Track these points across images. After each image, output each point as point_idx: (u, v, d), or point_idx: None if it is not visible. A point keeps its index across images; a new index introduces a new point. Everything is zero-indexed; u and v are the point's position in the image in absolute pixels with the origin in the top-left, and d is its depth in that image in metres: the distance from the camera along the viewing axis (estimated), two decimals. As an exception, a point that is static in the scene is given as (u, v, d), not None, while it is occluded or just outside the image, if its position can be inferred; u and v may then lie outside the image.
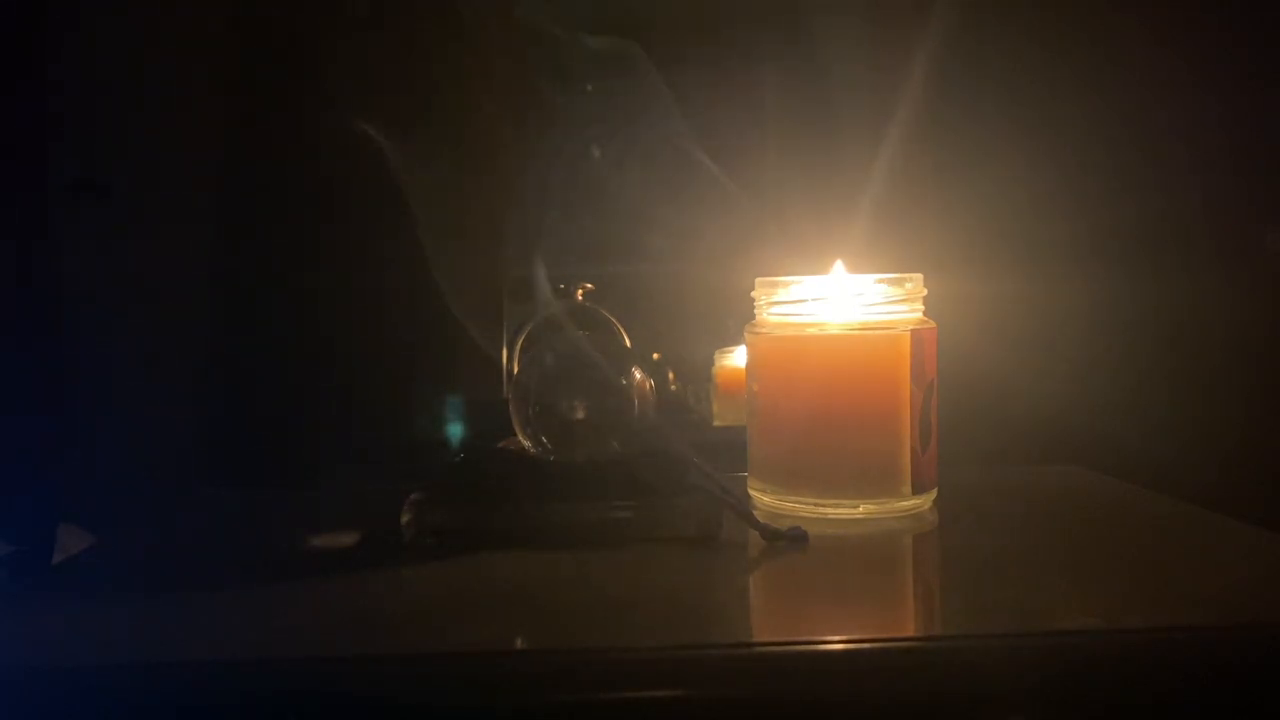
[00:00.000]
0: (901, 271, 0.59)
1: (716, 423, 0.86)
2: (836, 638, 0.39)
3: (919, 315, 0.59)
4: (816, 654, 0.39)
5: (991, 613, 0.43)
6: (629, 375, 0.58)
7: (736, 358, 0.84)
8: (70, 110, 0.86)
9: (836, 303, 0.58)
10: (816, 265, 0.60)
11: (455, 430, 0.84)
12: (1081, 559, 0.51)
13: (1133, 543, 0.54)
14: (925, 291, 0.59)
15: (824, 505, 0.57)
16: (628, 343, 0.74)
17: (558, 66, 0.87)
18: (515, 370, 0.80)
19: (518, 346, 0.78)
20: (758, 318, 0.61)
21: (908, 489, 0.57)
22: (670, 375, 0.88)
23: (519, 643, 0.42)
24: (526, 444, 0.59)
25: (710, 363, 0.87)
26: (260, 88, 0.87)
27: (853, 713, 0.38)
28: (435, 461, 0.59)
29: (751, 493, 0.60)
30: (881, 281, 0.58)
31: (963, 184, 0.83)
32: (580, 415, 0.57)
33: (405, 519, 0.54)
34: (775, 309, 0.60)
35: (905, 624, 0.45)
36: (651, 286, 0.86)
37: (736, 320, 0.64)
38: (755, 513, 0.55)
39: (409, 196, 0.86)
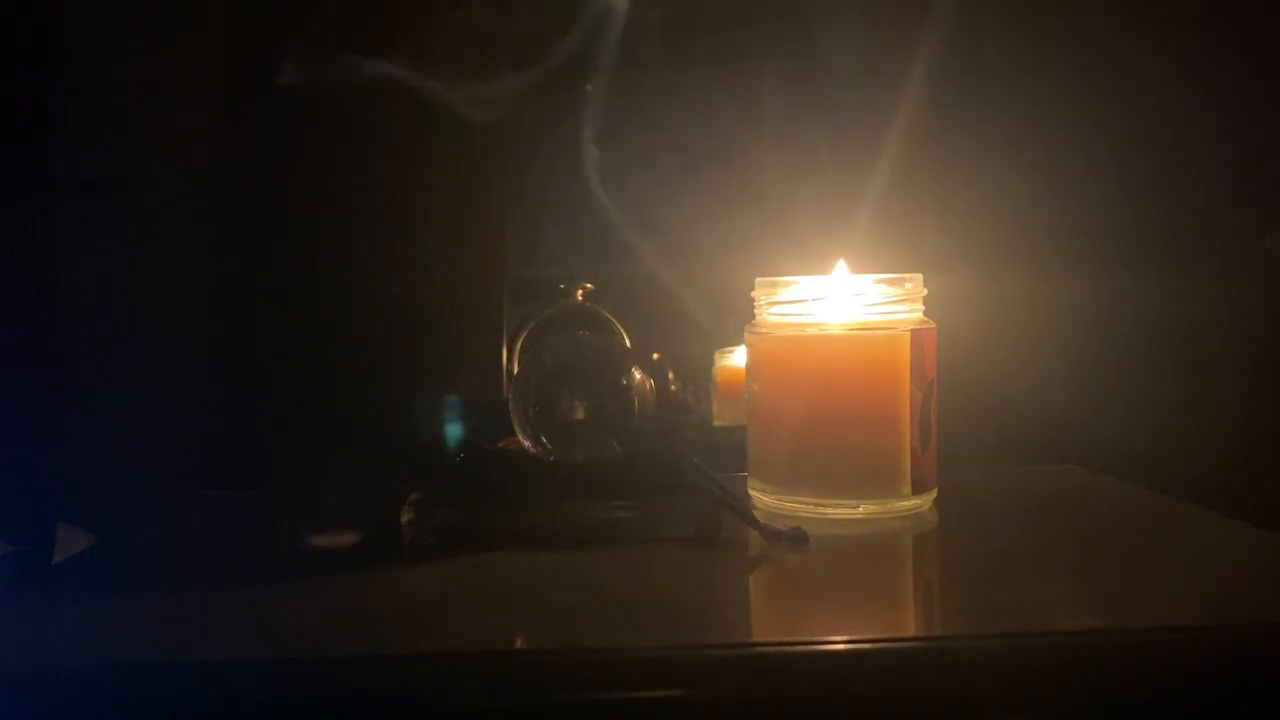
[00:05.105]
0: (901, 271, 0.59)
1: (716, 423, 0.86)
2: (836, 638, 0.39)
3: (919, 315, 0.59)
4: (816, 654, 0.39)
5: (991, 613, 0.43)
6: (629, 375, 0.58)
7: (736, 358, 0.84)
8: (70, 110, 0.87)
9: (836, 303, 0.58)
10: (816, 265, 0.60)
11: (455, 430, 0.84)
12: (1081, 559, 0.51)
13: (1133, 543, 0.54)
14: (925, 291, 0.59)
15: (824, 505, 0.57)
16: (628, 343, 0.73)
17: (558, 65, 0.87)
18: (515, 370, 0.80)
19: (518, 346, 0.78)
20: (758, 318, 0.61)
21: (908, 489, 0.57)
22: (670, 375, 0.88)
23: (519, 643, 0.42)
24: (526, 444, 0.59)
25: (710, 363, 0.87)
26: (260, 88, 0.86)
27: (853, 713, 0.38)
28: (435, 461, 0.59)
29: (751, 493, 0.60)
30: (881, 281, 0.58)
31: (963, 184, 0.83)
32: (580, 415, 0.57)
33: (405, 519, 0.54)
34: (775, 309, 0.60)
35: (905, 624, 0.45)
36: (651, 286, 0.86)
37: (736, 320, 0.64)
38: (755, 513, 0.55)
39: (409, 196, 0.86)
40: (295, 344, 0.85)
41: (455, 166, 0.85)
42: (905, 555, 0.55)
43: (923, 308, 0.59)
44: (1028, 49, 0.85)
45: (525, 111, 0.85)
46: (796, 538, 0.52)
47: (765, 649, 0.40)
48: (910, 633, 0.44)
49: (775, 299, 0.60)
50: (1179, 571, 0.49)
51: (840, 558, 0.52)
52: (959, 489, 0.61)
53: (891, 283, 0.58)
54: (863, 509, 0.57)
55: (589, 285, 0.77)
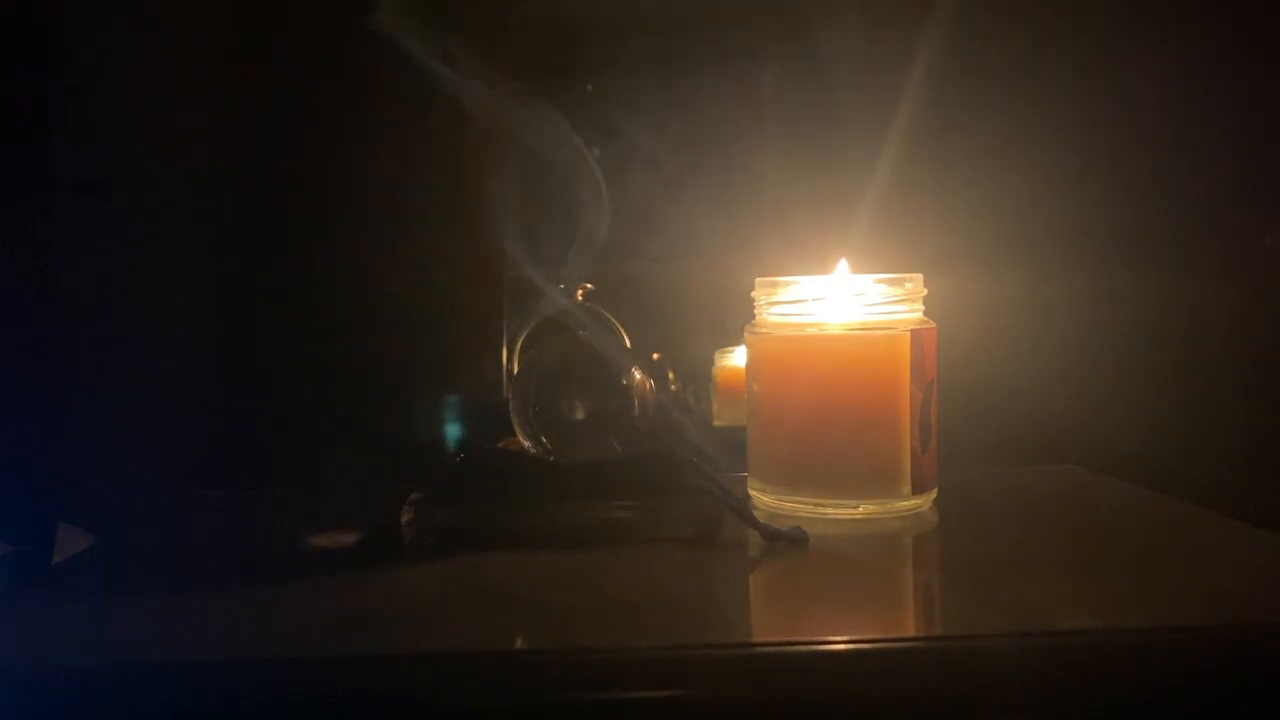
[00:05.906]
0: (902, 271, 0.59)
1: (716, 423, 0.86)
2: (836, 638, 0.39)
3: (919, 315, 0.59)
4: (816, 654, 0.39)
5: (991, 613, 0.43)
6: (629, 375, 0.58)
7: (736, 358, 0.84)
8: (70, 110, 0.87)
9: (836, 303, 0.58)
10: (816, 266, 0.60)
11: (455, 430, 0.84)
12: (1081, 559, 0.51)
13: (1133, 543, 0.54)
14: (925, 291, 0.59)
15: (824, 505, 0.57)
16: (628, 343, 0.74)
17: (558, 65, 0.87)
18: (515, 370, 0.80)
19: (518, 346, 0.78)
20: (758, 318, 0.61)
21: (908, 489, 0.57)
22: (670, 375, 0.88)
23: (519, 643, 0.42)
24: (526, 444, 0.59)
25: (710, 363, 0.87)
26: (260, 88, 0.87)
27: (853, 713, 0.38)
28: (435, 461, 0.59)
29: (751, 493, 0.60)
30: (881, 281, 0.58)
31: (963, 184, 0.83)
32: (580, 415, 0.57)
33: (405, 519, 0.54)
34: (775, 309, 0.60)
35: (905, 624, 0.45)
36: (651, 286, 0.86)
37: (736, 320, 0.64)
38: (755, 513, 0.55)
39: (409, 196, 0.86)
40: (295, 344, 0.85)
41: (455, 166, 0.86)
42: (905, 555, 0.55)
43: (923, 308, 0.59)
44: (1028, 49, 0.85)
45: (525, 111, 0.85)
46: (796, 538, 0.52)
47: (765, 649, 0.40)
48: (910, 633, 0.44)
49: (775, 299, 0.60)
50: (1179, 571, 0.49)
51: (840, 558, 0.52)
52: (959, 489, 0.61)
53: (891, 283, 0.58)
54: (863, 509, 0.57)
55: (589, 285, 0.77)
